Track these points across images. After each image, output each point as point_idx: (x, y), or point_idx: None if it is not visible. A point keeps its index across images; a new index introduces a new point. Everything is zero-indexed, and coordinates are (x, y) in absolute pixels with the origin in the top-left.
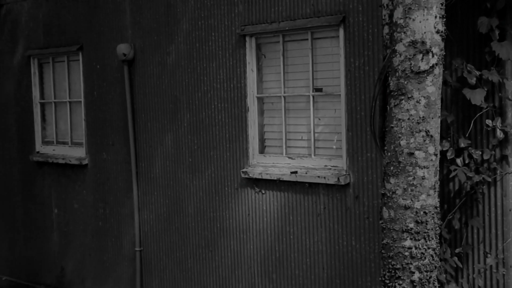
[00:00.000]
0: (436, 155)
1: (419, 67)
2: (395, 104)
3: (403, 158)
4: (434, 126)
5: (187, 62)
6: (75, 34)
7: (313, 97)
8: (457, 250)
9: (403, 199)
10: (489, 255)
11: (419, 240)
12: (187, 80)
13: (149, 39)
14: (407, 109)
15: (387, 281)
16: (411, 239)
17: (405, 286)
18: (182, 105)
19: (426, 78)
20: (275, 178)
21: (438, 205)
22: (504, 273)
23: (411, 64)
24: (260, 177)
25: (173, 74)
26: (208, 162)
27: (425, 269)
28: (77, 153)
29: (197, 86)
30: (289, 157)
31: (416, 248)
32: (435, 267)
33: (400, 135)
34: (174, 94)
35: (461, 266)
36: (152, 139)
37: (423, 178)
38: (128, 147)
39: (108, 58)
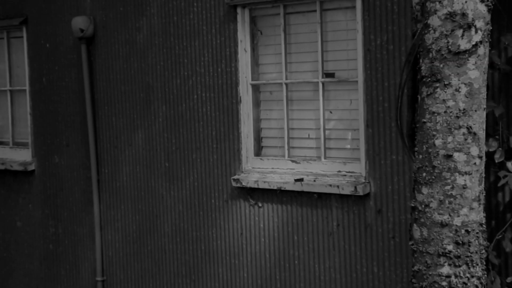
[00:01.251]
0: (480, 157)
1: (459, 46)
2: (428, 93)
3: (439, 162)
4: (478, 121)
5: (162, 40)
6: (17, 3)
7: (322, 84)
8: (509, 279)
9: (438, 214)
10: None
11: (460, 266)
12: (163, 63)
13: (114, 10)
14: (444, 100)
15: None
16: (449, 265)
17: None
18: (156, 94)
19: (468, 60)
20: (275, 188)
21: (484, 222)
22: None
23: (448, 42)
24: (256, 186)
25: (144, 55)
26: (189, 168)
27: None
28: (20, 156)
29: (175, 70)
30: (292, 161)
31: (456, 276)
32: None
33: (434, 133)
34: (146, 80)
35: None
36: (118, 138)
37: (464, 187)
38: (87, 149)
39: (61, 35)
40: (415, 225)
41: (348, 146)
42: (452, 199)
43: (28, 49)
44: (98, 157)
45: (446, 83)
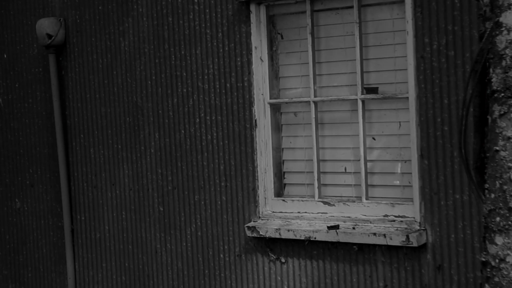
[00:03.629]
0: None
1: None
2: (502, 112)
3: None
4: None
5: (153, 48)
6: None
7: (363, 102)
8: None
9: None
10: None
11: None
12: (154, 77)
13: (91, 10)
14: None
15: None
16: None
17: None
18: (147, 118)
19: None
20: (303, 238)
21: None
22: None
23: None
24: (277, 235)
25: (130, 67)
26: (191, 213)
27: None
28: None
29: (170, 87)
30: (324, 203)
31: None
32: None
33: (510, 164)
34: (134, 100)
35: None
36: (98, 175)
37: None
38: (58, 190)
39: (22, 42)
40: (487, 285)
41: (397, 183)
42: None
43: None
44: (72, 201)
45: None
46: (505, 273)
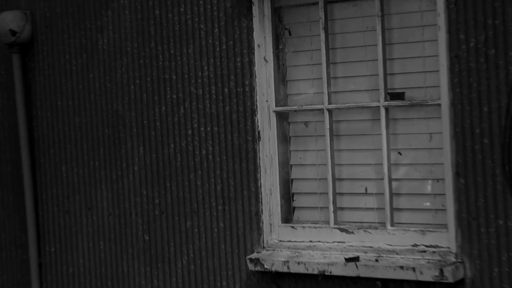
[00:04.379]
0: None
1: None
2: None
3: None
4: None
5: (137, 47)
6: None
7: (386, 110)
8: None
9: None
10: None
11: None
12: (139, 81)
13: (62, 2)
14: None
15: None
16: None
17: None
18: (130, 130)
19: None
20: (316, 272)
21: None
22: None
23: None
24: (285, 269)
25: (110, 70)
26: (182, 242)
27: None
28: None
29: (158, 93)
30: (341, 230)
31: None
32: None
33: None
34: (114, 108)
35: None
36: (71, 198)
37: None
38: (23, 216)
39: None
40: None
41: (428, 206)
42: None
43: None
44: (39, 229)
45: None
46: None
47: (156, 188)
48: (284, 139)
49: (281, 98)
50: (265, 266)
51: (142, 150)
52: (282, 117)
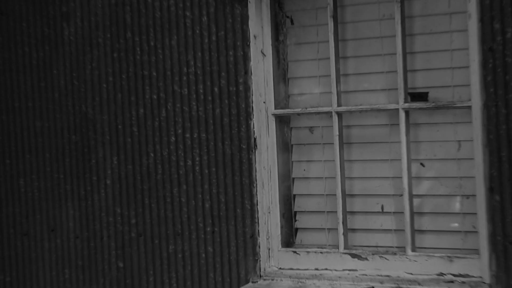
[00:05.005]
0: None
1: None
2: None
3: None
4: None
5: (110, 38)
6: None
7: (406, 113)
8: None
9: None
10: None
11: None
12: (112, 78)
13: None
14: None
15: None
16: None
17: None
18: (102, 136)
19: None
20: None
21: None
22: None
23: None
24: None
25: (78, 65)
26: (163, 270)
27: None
28: None
29: (135, 92)
30: (353, 255)
31: None
32: None
33: None
34: (83, 111)
35: None
36: (31, 217)
37: None
38: None
39: None
40: None
41: (456, 226)
42: None
43: None
44: None
45: None
46: None
47: (133, 206)
48: (285, 147)
49: (282, 99)
50: None
51: (116, 161)
52: (283, 122)
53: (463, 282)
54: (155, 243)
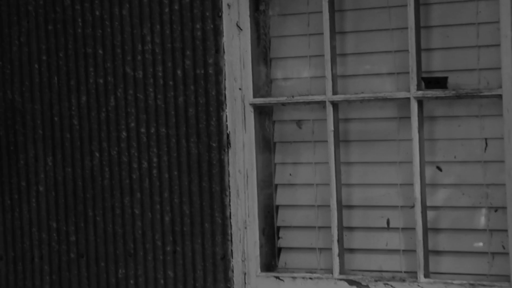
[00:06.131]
0: None
1: None
2: None
3: None
4: None
5: (43, 6)
6: None
7: (419, 103)
8: None
9: None
10: None
11: None
12: (46, 57)
13: None
14: None
15: None
16: None
17: None
18: (32, 130)
19: None
20: None
21: None
22: None
23: None
24: None
25: (1, 40)
26: None
27: None
28: None
29: (76, 75)
30: (351, 282)
31: None
32: None
33: None
34: (8, 98)
35: None
36: None
37: None
38: None
39: None
40: None
41: (481, 246)
42: None
43: None
44: None
45: None
46: None
47: (72, 219)
48: (266, 146)
49: (262, 84)
50: None
51: (51, 162)
52: (264, 113)
53: None
54: (101, 266)
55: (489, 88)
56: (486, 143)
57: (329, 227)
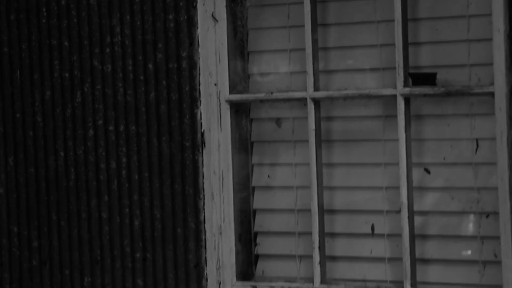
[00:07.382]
0: None
1: None
2: None
3: None
4: None
5: (8, 1)
6: None
7: (406, 100)
8: None
9: None
10: None
11: None
12: (8, 49)
13: None
14: None
15: None
16: None
17: None
18: None
19: None
20: None
21: None
22: None
23: None
24: None
25: None
26: None
27: None
28: None
29: (39, 68)
30: None
31: None
32: None
33: None
34: None
35: None
36: None
37: None
38: None
39: None
40: None
41: (471, 254)
42: None
43: None
44: None
45: None
46: None
47: (35, 224)
48: (242, 146)
49: (239, 80)
50: None
51: (12, 162)
52: (240, 111)
53: None
54: (65, 274)
55: (480, 85)
56: (477, 144)
57: (310, 233)
